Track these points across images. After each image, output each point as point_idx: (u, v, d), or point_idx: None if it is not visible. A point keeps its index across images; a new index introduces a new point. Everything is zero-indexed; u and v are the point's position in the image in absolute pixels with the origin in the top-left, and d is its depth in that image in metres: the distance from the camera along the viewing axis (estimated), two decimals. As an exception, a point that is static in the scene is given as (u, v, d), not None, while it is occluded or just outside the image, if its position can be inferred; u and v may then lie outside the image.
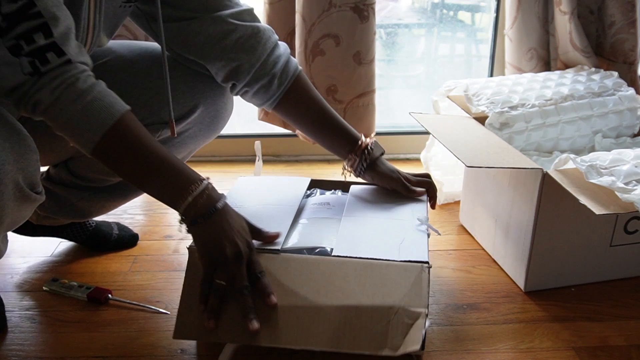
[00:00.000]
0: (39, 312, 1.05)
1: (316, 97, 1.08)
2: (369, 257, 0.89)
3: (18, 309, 1.06)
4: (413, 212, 1.02)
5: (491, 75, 1.77)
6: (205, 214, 0.85)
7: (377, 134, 1.63)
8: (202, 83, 1.06)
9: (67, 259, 1.22)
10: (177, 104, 1.03)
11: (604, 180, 0.96)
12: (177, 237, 1.31)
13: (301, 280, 0.88)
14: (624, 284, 1.16)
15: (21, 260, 1.20)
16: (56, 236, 1.23)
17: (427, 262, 0.88)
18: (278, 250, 0.92)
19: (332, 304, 0.86)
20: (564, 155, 1.03)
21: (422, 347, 0.92)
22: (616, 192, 0.94)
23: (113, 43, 1.08)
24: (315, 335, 0.85)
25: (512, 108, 1.27)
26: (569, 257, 1.11)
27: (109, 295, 1.08)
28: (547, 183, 1.03)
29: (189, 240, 1.27)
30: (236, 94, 1.10)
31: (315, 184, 1.15)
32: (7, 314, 1.04)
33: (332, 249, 0.92)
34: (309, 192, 1.12)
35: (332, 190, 1.12)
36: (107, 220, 1.31)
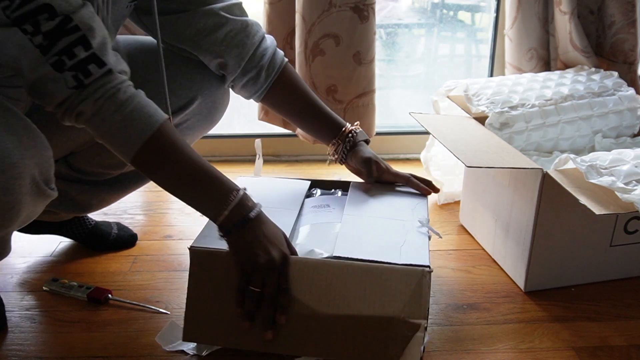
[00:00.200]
0: (39, 312, 1.05)
1: (302, 87, 1.11)
2: (371, 259, 0.88)
3: (18, 309, 1.06)
4: (414, 213, 1.01)
5: (491, 75, 1.77)
6: (238, 223, 0.85)
7: (377, 134, 1.63)
8: (199, 75, 1.08)
9: (67, 259, 1.22)
10: (176, 96, 1.05)
11: (604, 180, 0.96)
12: (177, 237, 1.31)
13: (303, 287, 0.87)
14: (624, 284, 1.16)
15: (21, 260, 1.20)
16: (56, 233, 1.23)
17: (428, 266, 0.87)
18: None
19: (333, 313, 0.87)
20: (564, 155, 1.03)
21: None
22: (616, 192, 0.94)
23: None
24: (316, 344, 0.87)
25: (512, 108, 1.27)
26: (569, 257, 1.11)
27: (109, 295, 1.08)
28: (547, 183, 1.03)
29: (188, 240, 1.28)
30: (226, 86, 1.13)
31: (314, 184, 1.14)
32: (7, 314, 1.04)
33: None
34: (309, 191, 1.12)
35: (332, 190, 1.12)
36: (107, 219, 1.31)
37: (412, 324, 0.86)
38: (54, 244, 1.26)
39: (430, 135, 1.39)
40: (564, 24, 1.49)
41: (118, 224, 1.29)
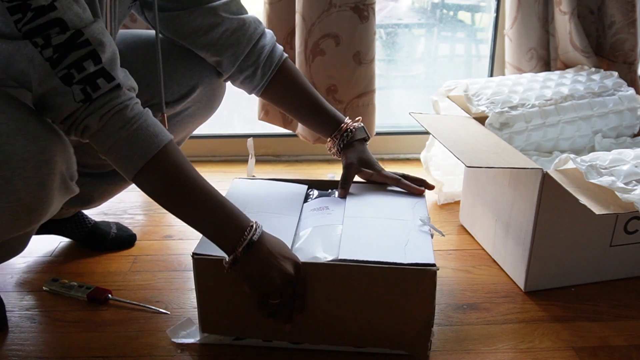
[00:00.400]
0: (39, 312, 1.05)
1: (301, 82, 1.12)
2: (376, 260, 0.88)
3: (18, 309, 1.06)
4: (414, 212, 1.01)
5: (491, 75, 1.77)
6: (243, 250, 0.84)
7: (377, 134, 1.63)
8: (199, 64, 1.09)
9: (67, 259, 1.22)
10: (177, 85, 1.08)
11: (604, 180, 0.96)
12: (177, 237, 1.31)
13: (313, 290, 0.89)
14: (624, 284, 1.16)
15: (21, 260, 1.20)
16: (55, 233, 1.23)
17: (434, 265, 0.88)
18: None
19: (342, 315, 0.91)
20: (564, 155, 1.03)
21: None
22: (616, 192, 0.94)
23: None
24: (329, 336, 0.93)
25: (512, 108, 1.27)
26: (569, 257, 1.11)
27: (109, 295, 1.08)
28: (547, 183, 1.03)
29: (188, 240, 1.28)
30: (222, 81, 1.14)
31: (311, 185, 1.13)
32: (7, 314, 1.04)
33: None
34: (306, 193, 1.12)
35: (330, 190, 1.11)
36: (106, 219, 1.31)
37: (419, 320, 0.89)
38: (53, 244, 1.26)
39: (430, 135, 1.38)
40: (564, 24, 1.49)
41: (117, 224, 1.29)
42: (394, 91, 2.16)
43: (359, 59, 1.48)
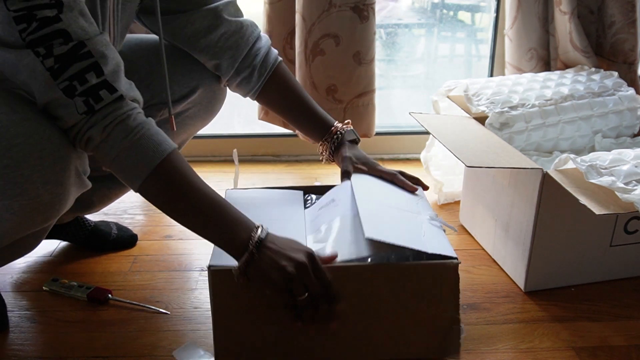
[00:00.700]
0: (39, 312, 1.05)
1: (293, 86, 1.13)
2: (402, 244, 0.84)
3: (18, 309, 1.06)
4: (419, 208, 1.00)
5: (491, 75, 1.77)
6: (255, 248, 0.83)
7: (377, 134, 1.63)
8: (199, 67, 1.10)
9: (67, 259, 1.22)
10: (178, 85, 1.09)
11: (604, 180, 0.96)
12: (177, 237, 1.31)
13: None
14: (624, 284, 1.16)
15: (21, 260, 1.20)
16: (55, 238, 1.23)
17: (456, 258, 0.88)
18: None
19: (370, 315, 0.90)
20: (564, 155, 1.03)
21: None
22: (616, 192, 0.94)
23: None
24: (358, 347, 0.91)
25: (512, 108, 1.27)
26: (569, 257, 1.11)
27: (109, 295, 1.08)
28: (547, 183, 1.03)
29: (188, 240, 1.28)
30: (221, 85, 1.15)
31: (306, 191, 1.12)
32: (7, 314, 1.04)
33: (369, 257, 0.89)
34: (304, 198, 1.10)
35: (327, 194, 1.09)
36: (106, 220, 1.31)
37: (450, 317, 0.90)
38: (53, 244, 1.26)
39: (430, 135, 1.39)
40: (564, 24, 1.49)
41: (117, 225, 1.29)
42: (394, 91, 2.16)
43: (359, 59, 1.48)
